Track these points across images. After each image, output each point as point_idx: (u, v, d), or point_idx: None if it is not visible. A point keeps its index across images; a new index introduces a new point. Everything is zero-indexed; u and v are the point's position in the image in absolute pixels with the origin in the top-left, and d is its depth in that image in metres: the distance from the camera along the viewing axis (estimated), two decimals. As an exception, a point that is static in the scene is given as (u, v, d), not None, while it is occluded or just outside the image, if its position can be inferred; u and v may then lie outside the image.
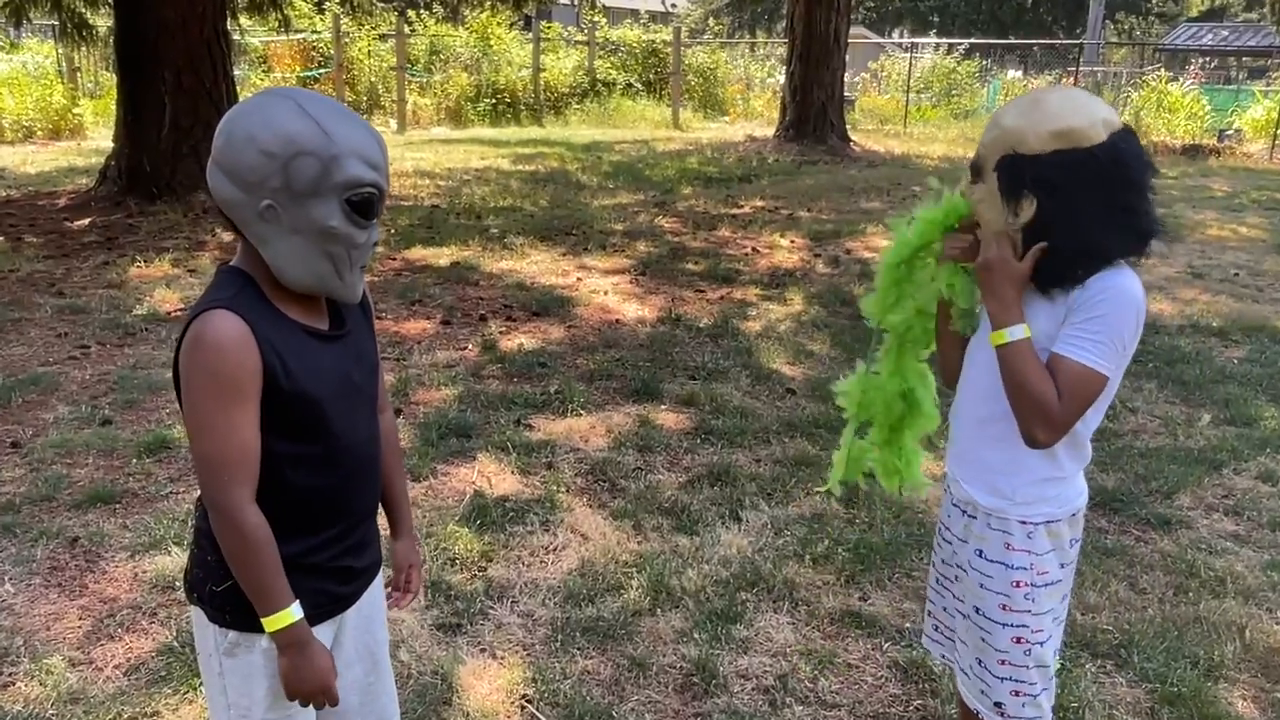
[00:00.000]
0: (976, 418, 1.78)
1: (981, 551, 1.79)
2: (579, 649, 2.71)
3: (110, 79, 14.88)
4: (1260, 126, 16.47)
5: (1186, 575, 3.15)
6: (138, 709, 2.41)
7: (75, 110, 15.49)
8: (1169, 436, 4.31)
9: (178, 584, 2.96)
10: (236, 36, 13.49)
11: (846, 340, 5.53)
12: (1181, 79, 18.74)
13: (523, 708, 2.47)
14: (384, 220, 8.49)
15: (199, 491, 1.50)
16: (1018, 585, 1.76)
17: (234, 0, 11.06)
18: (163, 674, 2.55)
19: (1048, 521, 1.76)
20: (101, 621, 2.79)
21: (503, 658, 2.67)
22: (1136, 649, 2.72)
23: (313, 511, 1.51)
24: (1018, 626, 1.78)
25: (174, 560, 3.09)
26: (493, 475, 3.75)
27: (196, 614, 1.55)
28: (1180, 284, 7.05)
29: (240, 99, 9.55)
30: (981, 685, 1.84)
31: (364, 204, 1.42)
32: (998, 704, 1.83)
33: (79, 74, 17.24)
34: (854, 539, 3.31)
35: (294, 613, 1.45)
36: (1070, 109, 1.61)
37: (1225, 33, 28.63)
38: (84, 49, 15.35)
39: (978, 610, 1.82)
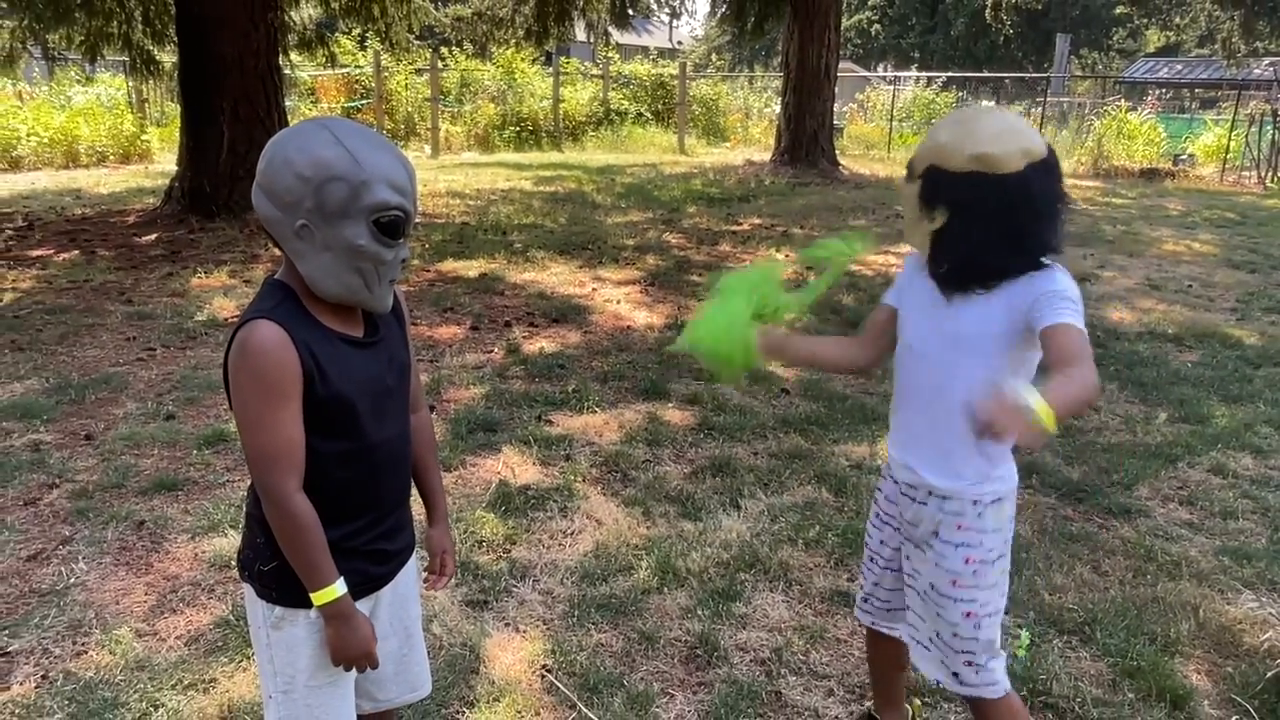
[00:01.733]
0: (932, 406, 1.74)
1: (937, 533, 1.77)
2: (593, 624, 2.70)
3: (175, 109, 14.94)
4: (1211, 152, 16.36)
5: (1145, 559, 3.12)
6: (196, 675, 2.41)
7: (143, 137, 15.56)
8: (1129, 433, 4.28)
9: (233, 563, 2.96)
10: (287, 71, 13.54)
11: (836, 345, 5.51)
12: (1140, 109, 18.61)
13: (543, 676, 2.46)
14: (420, 236, 8.51)
15: (250, 480, 1.50)
16: (968, 562, 1.74)
17: (285, 38, 11.10)
18: (219, 644, 2.55)
19: (996, 500, 1.74)
20: (165, 597, 2.80)
21: (525, 631, 2.66)
22: (1099, 626, 2.70)
23: (348, 501, 1.51)
24: (968, 601, 1.75)
25: (230, 542, 3.09)
26: (516, 466, 3.74)
27: (247, 590, 1.56)
28: (1139, 294, 7.00)
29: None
30: (941, 656, 1.82)
31: (390, 225, 1.41)
32: (955, 674, 1.81)
33: (147, 105, 17.34)
34: (842, 525, 3.29)
35: (339, 588, 1.45)
36: (994, 136, 1.58)
37: (1179, 67, 28.45)
38: (151, 82, 15.44)
39: (932, 587, 1.79)
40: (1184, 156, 16.32)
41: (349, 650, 1.49)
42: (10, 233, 8.46)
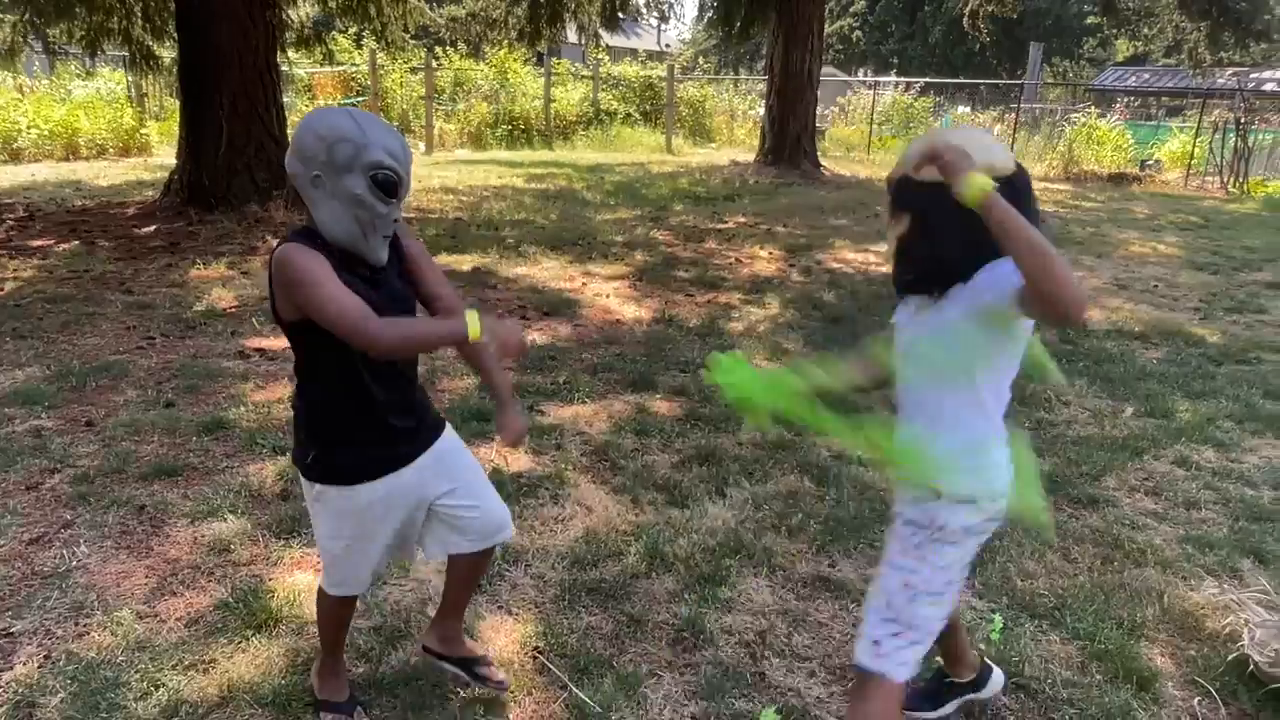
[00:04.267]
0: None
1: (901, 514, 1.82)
2: (584, 607, 2.70)
3: (174, 104, 14.74)
4: (1177, 158, 16.48)
5: (1112, 547, 3.15)
6: (196, 656, 2.40)
7: (143, 130, 15.38)
8: (1097, 426, 4.31)
9: (234, 546, 2.95)
10: (285, 68, 13.38)
11: (817, 339, 5.53)
12: (1109, 115, 18.70)
13: (535, 658, 2.46)
14: (415, 232, 8.45)
15: (294, 387, 1.89)
16: (914, 533, 1.77)
17: (283, 35, 10.98)
18: (219, 626, 2.54)
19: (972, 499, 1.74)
20: (165, 580, 2.78)
21: (518, 614, 2.66)
22: (1069, 611, 2.72)
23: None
24: (909, 571, 1.73)
25: (229, 526, 3.07)
26: (509, 454, 3.73)
27: (302, 481, 1.96)
28: (1107, 294, 7.05)
29: (288, 123, 9.49)
30: (867, 626, 1.76)
31: (385, 183, 1.72)
32: (876, 642, 1.73)
33: (146, 99, 17.14)
34: (824, 513, 3.30)
35: (474, 319, 1.70)
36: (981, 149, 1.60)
37: (1147, 75, 28.61)
38: (151, 77, 15.27)
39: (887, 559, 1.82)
40: (1151, 162, 16.44)
41: (510, 338, 1.73)
42: (11, 223, 8.35)
